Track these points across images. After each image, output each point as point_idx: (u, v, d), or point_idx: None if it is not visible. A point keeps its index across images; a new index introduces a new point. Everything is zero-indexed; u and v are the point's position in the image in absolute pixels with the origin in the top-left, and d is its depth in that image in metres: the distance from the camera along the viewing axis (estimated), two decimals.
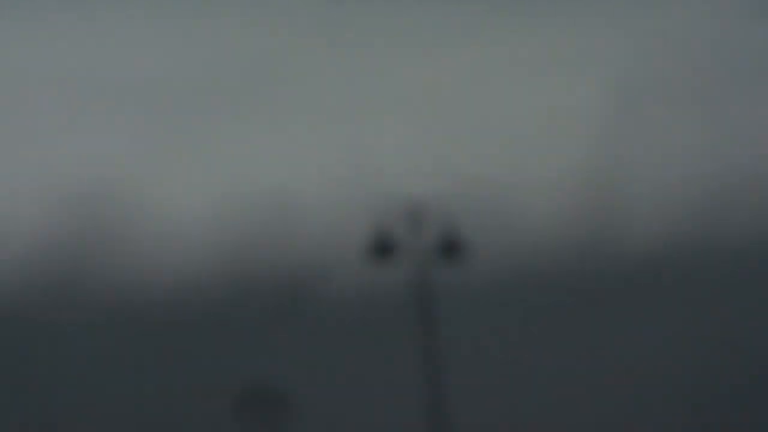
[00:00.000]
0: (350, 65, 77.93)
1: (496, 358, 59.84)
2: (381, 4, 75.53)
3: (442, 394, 27.89)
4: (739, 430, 53.99)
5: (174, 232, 72.48)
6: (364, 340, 63.10)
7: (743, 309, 57.23)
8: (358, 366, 62.52)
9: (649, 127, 64.03)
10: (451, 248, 28.87)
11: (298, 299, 64.01)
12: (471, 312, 61.00)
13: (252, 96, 79.02)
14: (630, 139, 64.23)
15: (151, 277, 71.31)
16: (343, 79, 76.82)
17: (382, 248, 28.12)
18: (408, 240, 28.92)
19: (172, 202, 74.04)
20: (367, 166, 70.93)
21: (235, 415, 46.19)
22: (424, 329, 28.96)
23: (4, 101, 78.23)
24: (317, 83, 77.33)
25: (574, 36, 69.06)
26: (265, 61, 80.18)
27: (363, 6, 76.58)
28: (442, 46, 75.96)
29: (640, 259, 60.80)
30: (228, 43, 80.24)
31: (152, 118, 78.77)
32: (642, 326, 58.79)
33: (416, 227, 28.86)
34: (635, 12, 67.62)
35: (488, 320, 61.38)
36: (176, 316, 68.23)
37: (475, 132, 71.32)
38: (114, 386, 66.28)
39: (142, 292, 70.25)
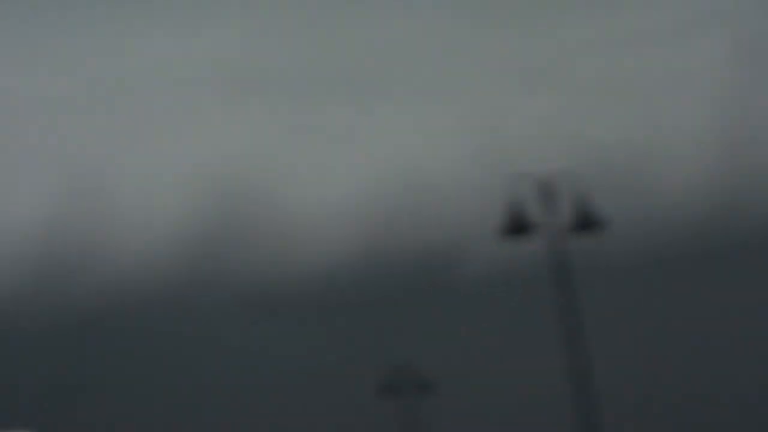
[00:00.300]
0: (474, 43, 77.72)
1: (635, 328, 59.35)
2: None
3: (584, 367, 27.95)
4: None
5: (314, 217, 73.18)
6: (502, 318, 63.06)
7: None
8: (497, 343, 62.52)
9: None
10: (585, 222, 28.80)
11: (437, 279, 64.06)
12: (609, 284, 60.58)
13: (382, 81, 79.29)
14: (762, 100, 63.09)
15: (292, 262, 72.17)
16: (469, 58, 76.66)
17: (517, 225, 28.16)
18: (542, 216, 28.93)
19: (311, 189, 74.74)
20: (498, 142, 70.70)
21: (379, 396, 46.59)
22: (562, 304, 28.98)
23: (144, 99, 79.74)
24: (445, 65, 77.30)
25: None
26: (392, 47, 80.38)
27: None
28: (564, 18, 75.26)
29: None
30: (356, 33, 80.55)
31: (287, 108, 79.55)
32: None
33: (550, 202, 28.85)
34: None
35: (626, 291, 60.87)
36: (318, 299, 68.96)
37: (605, 102, 70.61)
38: (257, 368, 67.25)
39: (284, 277, 71.13)
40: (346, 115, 76.63)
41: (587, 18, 72.53)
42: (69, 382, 66.90)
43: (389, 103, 77.35)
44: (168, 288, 71.37)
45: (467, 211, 67.35)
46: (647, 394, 57.60)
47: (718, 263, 60.58)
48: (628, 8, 71.65)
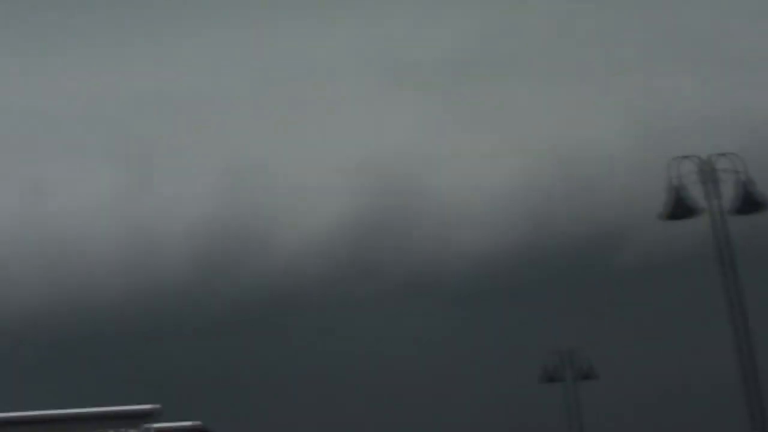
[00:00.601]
0: (634, 22, 76.55)
1: None
2: None
3: (750, 352, 27.45)
4: None
5: (474, 202, 73.13)
6: (665, 302, 62.09)
7: None
8: (659, 328, 61.63)
9: None
10: (748, 203, 28.30)
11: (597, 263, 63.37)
12: None
13: (541, 64, 78.66)
14: None
15: (452, 249, 72.27)
16: (630, 38, 75.58)
17: (680, 208, 27.79)
18: (705, 198, 28.47)
19: (472, 174, 74.69)
20: (661, 123, 69.59)
21: (540, 382, 46.40)
22: (726, 288, 28.50)
23: (303, 92, 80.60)
24: (604, 45, 76.33)
25: None
26: (548, 29, 79.68)
27: None
28: None
29: None
30: (511, 17, 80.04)
31: (445, 95, 79.54)
32: None
33: (712, 184, 28.39)
34: None
35: None
36: (479, 285, 68.92)
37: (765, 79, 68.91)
38: (418, 355, 67.53)
39: (445, 264, 71.28)
40: (505, 99, 76.34)
41: None
42: (232, 373, 68.09)
43: (549, 85, 76.79)
44: (330, 278, 72.11)
45: (629, 194, 66.47)
46: None
47: None
48: None
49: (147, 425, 51.61)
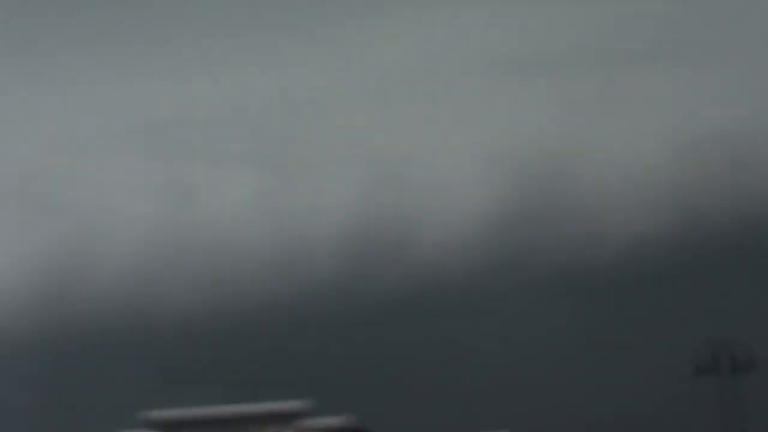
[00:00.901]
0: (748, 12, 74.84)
1: None
2: None
3: None
4: None
5: (618, 190, 72.27)
6: None
7: None
8: None
9: None
10: None
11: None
12: None
13: (676, 46, 77.41)
14: None
15: (597, 239, 71.54)
16: (746, 26, 73.92)
17: None
18: None
19: (612, 161, 73.84)
20: None
21: (696, 374, 45.58)
22: None
23: (436, 87, 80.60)
24: (746, 27, 74.77)
25: None
26: (683, 12, 78.37)
27: None
28: None
29: None
30: (644, 3, 78.93)
31: (577, 83, 78.78)
32: None
33: None
34: None
35: None
36: (625, 276, 68.09)
37: None
38: (567, 347, 67.02)
39: (589, 254, 70.61)
40: (647, 86, 75.29)
41: None
42: (383, 368, 68.30)
43: (690, 69, 75.57)
44: (476, 271, 71.97)
45: None
46: None
47: None
48: None
49: (300, 422, 52.04)
